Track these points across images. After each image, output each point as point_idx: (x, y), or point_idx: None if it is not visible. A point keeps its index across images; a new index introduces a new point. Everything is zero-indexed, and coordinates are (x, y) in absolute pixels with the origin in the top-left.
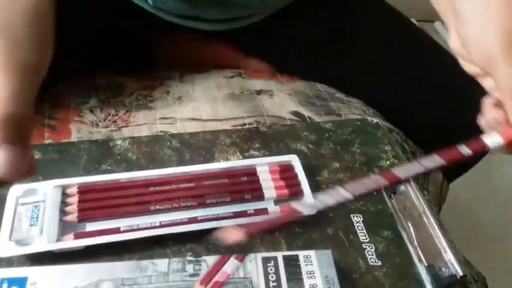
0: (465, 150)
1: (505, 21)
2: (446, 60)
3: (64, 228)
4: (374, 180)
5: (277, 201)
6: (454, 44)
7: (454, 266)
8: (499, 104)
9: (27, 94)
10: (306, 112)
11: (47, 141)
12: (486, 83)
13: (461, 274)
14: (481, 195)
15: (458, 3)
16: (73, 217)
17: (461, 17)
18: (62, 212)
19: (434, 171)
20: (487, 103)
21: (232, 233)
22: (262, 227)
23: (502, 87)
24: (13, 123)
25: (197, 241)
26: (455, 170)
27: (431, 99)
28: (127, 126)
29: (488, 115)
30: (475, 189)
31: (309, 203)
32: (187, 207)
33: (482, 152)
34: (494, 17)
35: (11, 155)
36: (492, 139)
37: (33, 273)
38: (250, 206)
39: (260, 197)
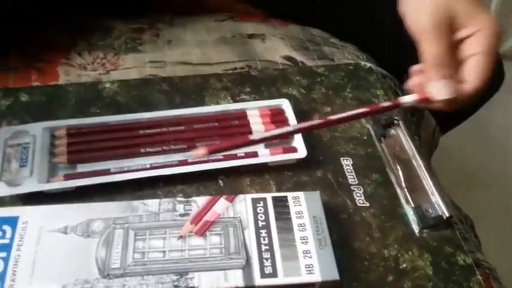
0: (384, 104)
1: (436, 4)
2: None
3: (54, 170)
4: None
5: (267, 145)
6: (402, 9)
7: (440, 208)
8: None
9: None
10: (298, 57)
11: (34, 84)
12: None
13: (447, 215)
14: (472, 144)
15: None
16: (62, 159)
17: None
18: (52, 154)
19: (359, 117)
20: (414, 68)
21: (197, 150)
22: (221, 148)
23: (425, 58)
24: None
25: (187, 183)
26: (448, 122)
27: None
28: (115, 70)
29: (413, 79)
30: (465, 138)
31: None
32: (177, 150)
33: (399, 106)
34: (430, 1)
35: None
36: (407, 98)
37: (25, 212)
38: (241, 149)
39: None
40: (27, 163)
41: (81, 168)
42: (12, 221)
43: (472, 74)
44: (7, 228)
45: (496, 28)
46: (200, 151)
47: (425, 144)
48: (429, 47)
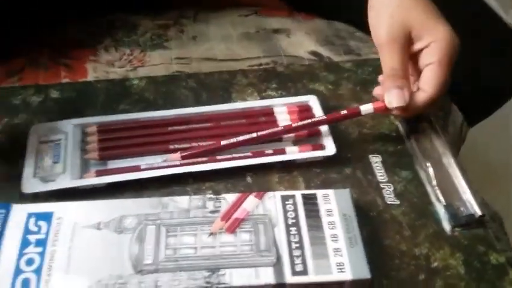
0: (343, 112)
1: (392, 18)
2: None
3: (86, 166)
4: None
5: (295, 142)
6: (368, 21)
7: (472, 206)
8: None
9: None
10: (324, 52)
11: (64, 81)
12: None
13: (480, 214)
14: (499, 139)
15: None
16: (94, 155)
17: (372, 4)
18: (83, 151)
19: (317, 125)
20: (379, 78)
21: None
22: (194, 153)
23: (383, 69)
24: None
25: (216, 180)
26: (476, 115)
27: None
28: (142, 66)
29: (376, 88)
30: (492, 132)
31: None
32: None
33: (357, 114)
34: (388, 14)
35: None
36: (365, 107)
37: (59, 208)
38: (269, 146)
39: (278, 138)
40: (60, 159)
41: (112, 164)
42: (48, 217)
43: (426, 83)
44: (43, 223)
45: (450, 38)
46: (175, 155)
47: (452, 139)
48: (386, 59)
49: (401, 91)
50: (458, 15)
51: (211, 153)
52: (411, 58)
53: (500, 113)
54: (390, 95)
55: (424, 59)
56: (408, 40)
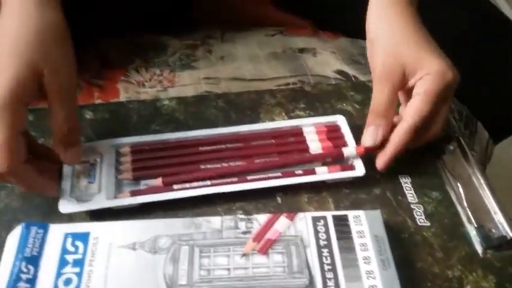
0: (326, 154)
1: (385, 54)
2: (493, 19)
3: (120, 185)
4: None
5: (324, 162)
6: (367, 51)
7: (503, 227)
8: None
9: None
10: (350, 71)
11: (97, 101)
12: None
13: (511, 235)
14: None
15: (372, 30)
16: (127, 175)
17: (369, 37)
18: (117, 171)
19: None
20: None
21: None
22: (180, 180)
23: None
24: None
25: (246, 200)
26: (502, 131)
27: (479, 60)
28: (172, 87)
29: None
30: None
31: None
32: (236, 168)
33: (340, 158)
34: (381, 49)
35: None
36: (349, 150)
37: (96, 228)
38: (298, 167)
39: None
40: (95, 180)
41: (145, 184)
42: (84, 237)
43: (407, 111)
44: (80, 244)
45: (443, 71)
46: (156, 180)
47: (479, 158)
48: (374, 95)
49: (376, 129)
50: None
51: (194, 180)
52: (407, 93)
53: None
54: (366, 132)
55: (414, 91)
56: (401, 77)
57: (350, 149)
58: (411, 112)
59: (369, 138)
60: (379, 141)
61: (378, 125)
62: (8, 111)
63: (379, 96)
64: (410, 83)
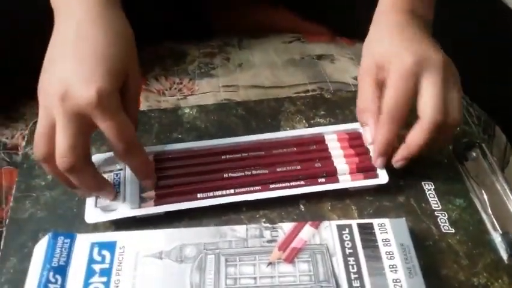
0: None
1: (367, 51)
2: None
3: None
4: None
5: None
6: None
7: None
8: None
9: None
10: None
11: None
12: None
13: None
14: None
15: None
16: (151, 194)
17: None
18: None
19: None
20: None
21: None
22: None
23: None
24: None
25: (270, 208)
26: None
27: (496, 64)
28: (192, 95)
29: None
30: None
31: None
32: (259, 175)
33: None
34: (365, 46)
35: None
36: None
37: (122, 237)
38: (322, 174)
39: (332, 171)
40: (119, 189)
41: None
42: (111, 246)
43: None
44: (106, 253)
45: (408, 64)
46: (149, 193)
47: (498, 163)
48: (358, 95)
49: (368, 129)
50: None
51: (218, 189)
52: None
53: None
54: (364, 131)
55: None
56: (375, 70)
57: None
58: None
59: (367, 137)
60: (374, 135)
61: (366, 120)
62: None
63: (360, 93)
64: (385, 76)
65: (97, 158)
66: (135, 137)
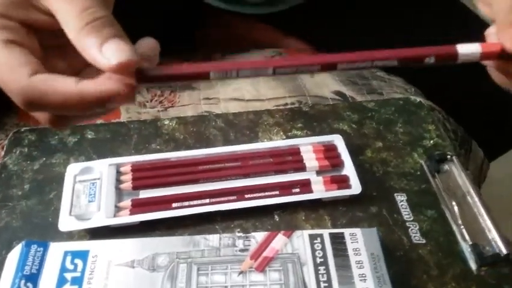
0: (429, 57)
1: None
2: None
3: (120, 198)
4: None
5: (319, 172)
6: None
7: (497, 245)
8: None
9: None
10: (347, 91)
11: (98, 122)
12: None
13: (505, 252)
14: None
15: None
16: (127, 186)
17: None
18: (117, 189)
19: (390, 66)
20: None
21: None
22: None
23: (499, 4)
24: (105, 22)
25: (245, 218)
26: (496, 148)
27: (470, 75)
28: (172, 107)
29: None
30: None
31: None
32: (235, 186)
33: (451, 57)
34: None
35: (122, 43)
36: (467, 47)
37: (95, 246)
38: (294, 176)
39: (306, 181)
40: (95, 198)
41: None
42: (84, 255)
43: None
44: (79, 261)
45: None
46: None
47: (474, 176)
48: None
49: None
50: None
51: (194, 199)
52: None
53: None
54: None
55: None
56: None
57: (472, 45)
58: None
59: None
60: None
61: None
62: None
63: None
64: None
65: (73, 167)
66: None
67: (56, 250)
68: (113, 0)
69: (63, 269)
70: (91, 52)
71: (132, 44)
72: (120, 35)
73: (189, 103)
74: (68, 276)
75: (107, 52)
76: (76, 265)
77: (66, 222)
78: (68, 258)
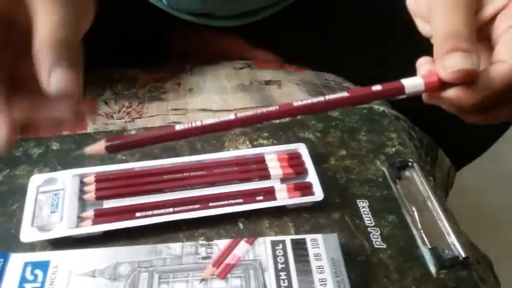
0: (377, 87)
1: None
2: None
3: (84, 208)
4: (267, 110)
5: (283, 180)
6: (409, 1)
7: (456, 248)
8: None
9: (78, 26)
10: None
11: (64, 133)
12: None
13: (464, 256)
14: (490, 182)
15: None
16: (91, 197)
17: None
18: (81, 200)
19: (341, 106)
20: (421, 60)
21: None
22: (123, 144)
23: (435, 34)
24: (67, 47)
25: (209, 226)
26: (463, 157)
27: None
28: (140, 118)
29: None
30: (483, 175)
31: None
32: (199, 194)
33: (397, 93)
34: None
35: (70, 74)
36: (411, 81)
37: (55, 257)
38: (258, 184)
39: (270, 189)
40: (57, 209)
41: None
42: (44, 266)
43: (506, 52)
44: (39, 272)
45: None
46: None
47: (440, 184)
48: (441, 21)
49: (467, 54)
50: None
51: (157, 208)
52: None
53: (490, 155)
54: (451, 57)
55: (500, 24)
56: (473, 3)
57: (415, 79)
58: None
59: (460, 61)
60: (475, 67)
61: (467, 49)
62: None
63: (450, 20)
64: (486, 12)
65: (36, 178)
66: None
67: (16, 261)
68: (92, 12)
69: (23, 280)
70: (41, 71)
71: (78, 74)
72: (72, 62)
73: (157, 114)
74: (28, 286)
75: (52, 79)
76: (36, 276)
77: (27, 233)
78: (28, 268)
